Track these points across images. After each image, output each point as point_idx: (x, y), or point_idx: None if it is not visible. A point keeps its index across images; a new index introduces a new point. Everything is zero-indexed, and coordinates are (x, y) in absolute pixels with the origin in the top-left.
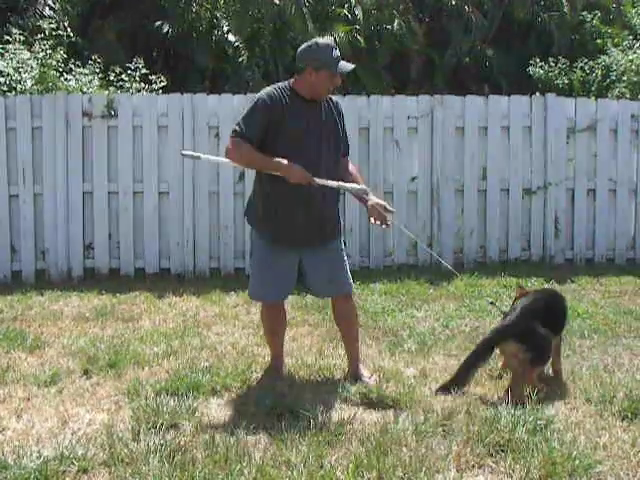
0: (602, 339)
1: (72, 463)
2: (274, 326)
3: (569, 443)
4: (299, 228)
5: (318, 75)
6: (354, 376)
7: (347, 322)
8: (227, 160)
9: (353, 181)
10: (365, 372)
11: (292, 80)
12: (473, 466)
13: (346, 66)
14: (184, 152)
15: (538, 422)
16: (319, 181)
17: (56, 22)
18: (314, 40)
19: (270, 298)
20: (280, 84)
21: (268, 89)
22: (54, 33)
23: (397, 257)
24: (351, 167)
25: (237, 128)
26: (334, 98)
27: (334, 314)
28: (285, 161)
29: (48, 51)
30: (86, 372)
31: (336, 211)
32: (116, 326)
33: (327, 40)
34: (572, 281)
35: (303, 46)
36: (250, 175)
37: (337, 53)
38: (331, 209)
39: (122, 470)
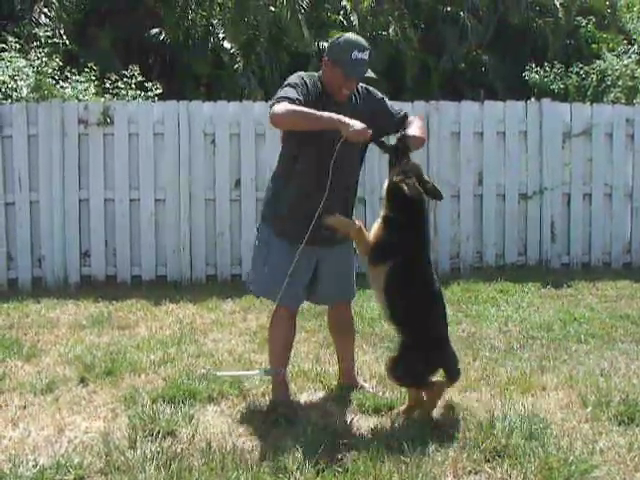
0: (599, 343)
1: (68, 471)
2: (290, 337)
3: (566, 448)
4: (317, 226)
5: (333, 70)
6: (351, 385)
7: (347, 331)
8: (256, 371)
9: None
10: (362, 381)
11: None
12: (470, 472)
13: (359, 72)
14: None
15: (534, 427)
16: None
17: (52, 30)
18: (345, 34)
19: (296, 304)
20: (311, 75)
21: (301, 73)
22: (50, 41)
23: None
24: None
25: (277, 95)
26: (364, 88)
27: (331, 322)
28: (336, 115)
29: (44, 59)
30: (82, 380)
31: (351, 213)
32: (112, 333)
33: (355, 39)
34: (568, 285)
35: (335, 36)
36: (246, 182)
37: (360, 55)
38: (347, 209)
39: (119, 478)
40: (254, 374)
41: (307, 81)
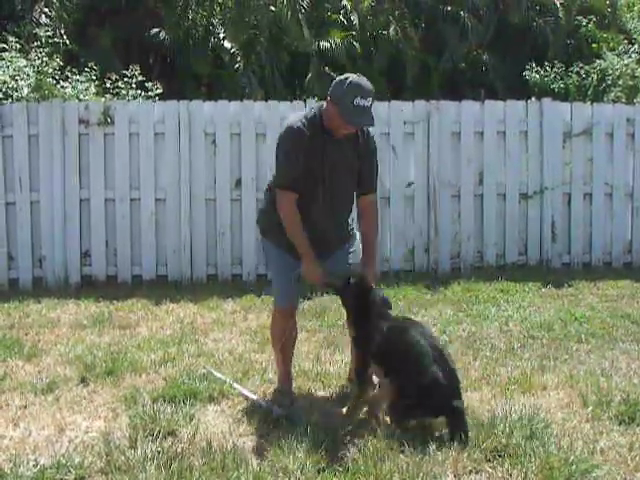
0: (599, 343)
1: (69, 471)
2: (287, 336)
3: (566, 448)
4: (313, 243)
5: (333, 109)
6: None
7: None
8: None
9: (364, 231)
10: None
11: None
12: (470, 471)
13: (359, 121)
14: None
15: (535, 427)
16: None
17: (52, 30)
18: (351, 76)
19: (288, 304)
20: (310, 113)
21: (297, 123)
22: (50, 41)
23: (393, 263)
24: (369, 207)
25: (276, 179)
26: (370, 131)
27: None
28: (312, 253)
29: (44, 59)
30: (83, 380)
31: (349, 219)
32: (113, 333)
33: (359, 84)
34: (569, 285)
35: (340, 77)
36: (247, 182)
37: (361, 102)
38: (345, 220)
39: (119, 478)
40: (252, 397)
41: (301, 131)
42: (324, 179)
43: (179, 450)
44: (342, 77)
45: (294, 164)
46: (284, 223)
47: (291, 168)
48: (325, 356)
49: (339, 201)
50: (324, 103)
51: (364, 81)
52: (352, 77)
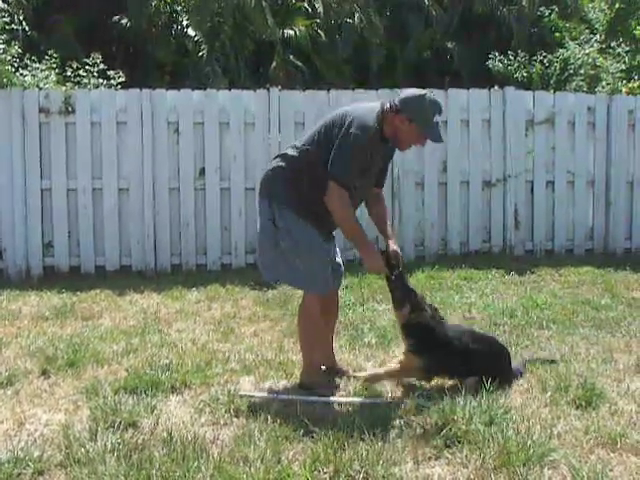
0: (560, 329)
1: (27, 465)
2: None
3: (524, 433)
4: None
5: (410, 126)
6: (336, 370)
7: (333, 312)
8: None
9: (381, 214)
10: (341, 365)
11: (383, 111)
12: (430, 458)
13: (438, 137)
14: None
15: (494, 413)
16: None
17: (9, 15)
18: (426, 93)
19: (327, 290)
20: (374, 117)
21: (369, 124)
22: (8, 27)
23: (357, 251)
24: (381, 195)
25: (337, 173)
26: None
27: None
28: (372, 245)
29: (2, 46)
30: (44, 372)
31: None
32: (76, 325)
33: (436, 101)
34: (532, 272)
35: (412, 92)
36: (211, 171)
37: (438, 119)
38: None
39: (78, 471)
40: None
41: (377, 134)
42: (370, 179)
43: (140, 441)
44: (416, 93)
45: (362, 164)
46: (339, 220)
47: (357, 166)
48: (288, 345)
49: (365, 197)
50: (380, 111)
51: (436, 97)
52: (428, 94)
